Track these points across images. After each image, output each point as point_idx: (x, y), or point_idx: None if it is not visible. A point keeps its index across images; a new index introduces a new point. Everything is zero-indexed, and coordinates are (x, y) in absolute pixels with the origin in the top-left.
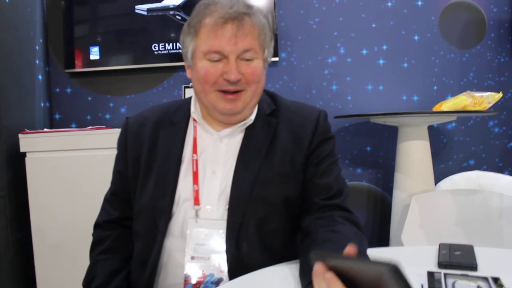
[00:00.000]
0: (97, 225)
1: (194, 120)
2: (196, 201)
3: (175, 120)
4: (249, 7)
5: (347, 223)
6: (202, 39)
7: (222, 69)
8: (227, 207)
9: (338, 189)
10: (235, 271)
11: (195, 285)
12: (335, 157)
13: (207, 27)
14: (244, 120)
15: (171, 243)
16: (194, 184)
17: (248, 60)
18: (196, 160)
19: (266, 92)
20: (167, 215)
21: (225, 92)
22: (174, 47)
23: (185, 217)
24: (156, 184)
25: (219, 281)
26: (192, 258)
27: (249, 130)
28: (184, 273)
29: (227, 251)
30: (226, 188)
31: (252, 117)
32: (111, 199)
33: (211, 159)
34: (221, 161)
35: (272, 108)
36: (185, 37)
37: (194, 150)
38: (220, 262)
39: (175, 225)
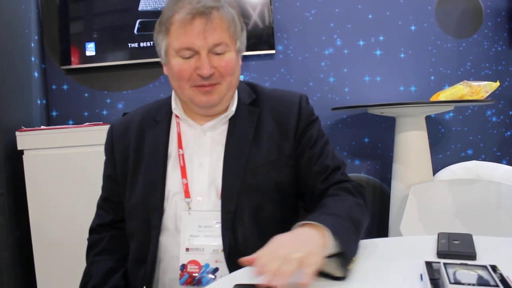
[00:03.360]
0: (91, 230)
1: (177, 116)
2: (187, 194)
3: (158, 119)
4: (217, 0)
5: (340, 193)
6: (173, 36)
7: (195, 64)
8: (218, 198)
9: (335, 166)
10: (233, 260)
11: (191, 276)
12: (324, 136)
13: (176, 24)
14: (225, 112)
15: (166, 238)
16: (183, 178)
17: (220, 53)
18: (182, 155)
19: (245, 83)
20: (159, 210)
21: (200, 86)
22: None
23: (176, 211)
24: (145, 182)
25: (215, 271)
26: (187, 250)
27: (232, 121)
28: (179, 265)
29: (224, 241)
30: (215, 179)
31: (233, 108)
32: (103, 204)
33: (197, 152)
34: (207, 153)
35: (252, 98)
36: (157, 35)
37: (179, 145)
38: (215, 252)
39: (168, 220)
